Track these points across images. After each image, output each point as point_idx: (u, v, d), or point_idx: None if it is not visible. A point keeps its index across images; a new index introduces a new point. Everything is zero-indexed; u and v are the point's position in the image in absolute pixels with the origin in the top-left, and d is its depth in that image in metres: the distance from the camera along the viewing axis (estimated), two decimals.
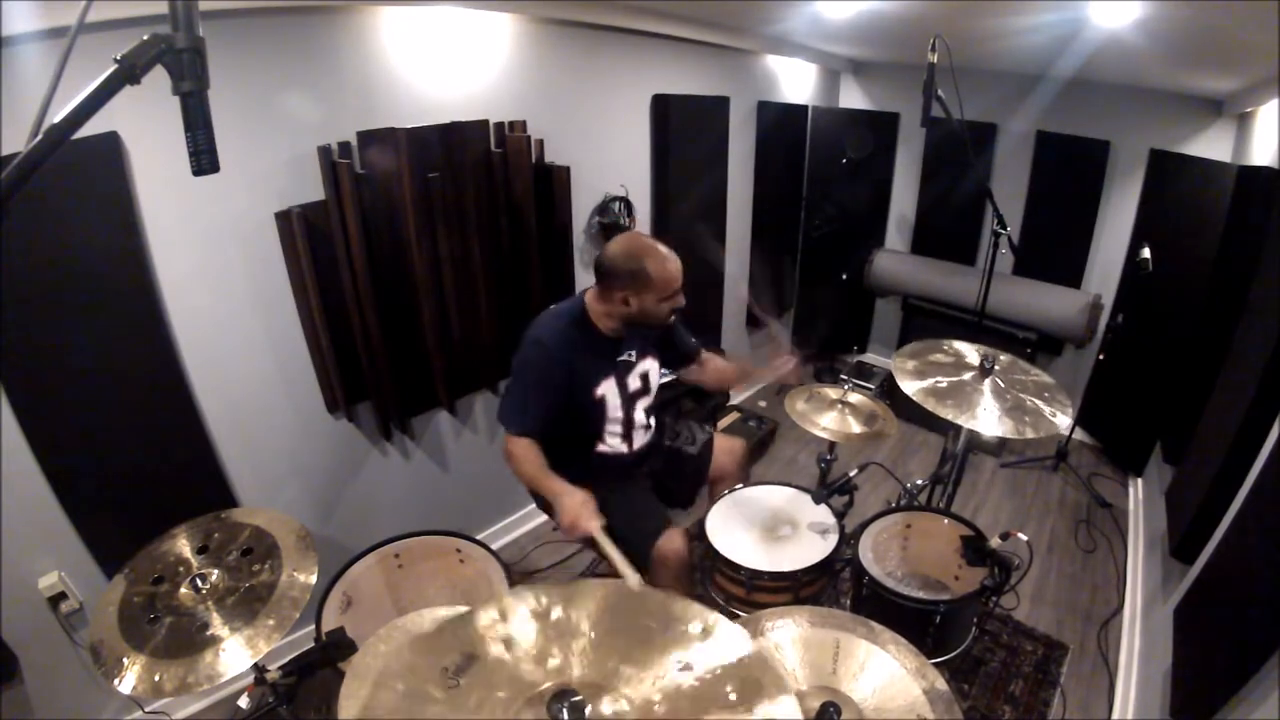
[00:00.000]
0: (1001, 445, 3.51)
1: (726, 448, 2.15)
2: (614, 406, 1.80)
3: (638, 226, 2.84)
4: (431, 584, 1.84)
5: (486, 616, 0.89)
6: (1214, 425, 2.26)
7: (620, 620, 0.91)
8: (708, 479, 2.13)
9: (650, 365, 1.88)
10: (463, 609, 0.92)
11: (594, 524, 1.46)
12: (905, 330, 4.11)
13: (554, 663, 0.84)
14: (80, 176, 1.50)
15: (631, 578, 1.20)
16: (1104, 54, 2.37)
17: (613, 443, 1.85)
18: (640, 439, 1.91)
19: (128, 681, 1.18)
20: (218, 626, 1.27)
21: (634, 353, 1.82)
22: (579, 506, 1.50)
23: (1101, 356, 3.16)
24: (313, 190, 1.87)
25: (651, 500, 1.93)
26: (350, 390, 2.14)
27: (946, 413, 1.85)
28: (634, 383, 1.83)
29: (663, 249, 1.66)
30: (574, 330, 1.71)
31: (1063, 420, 1.85)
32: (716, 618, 0.91)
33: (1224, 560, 1.75)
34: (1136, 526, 2.99)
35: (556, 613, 0.91)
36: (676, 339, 1.94)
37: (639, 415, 1.87)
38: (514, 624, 0.89)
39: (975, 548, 1.74)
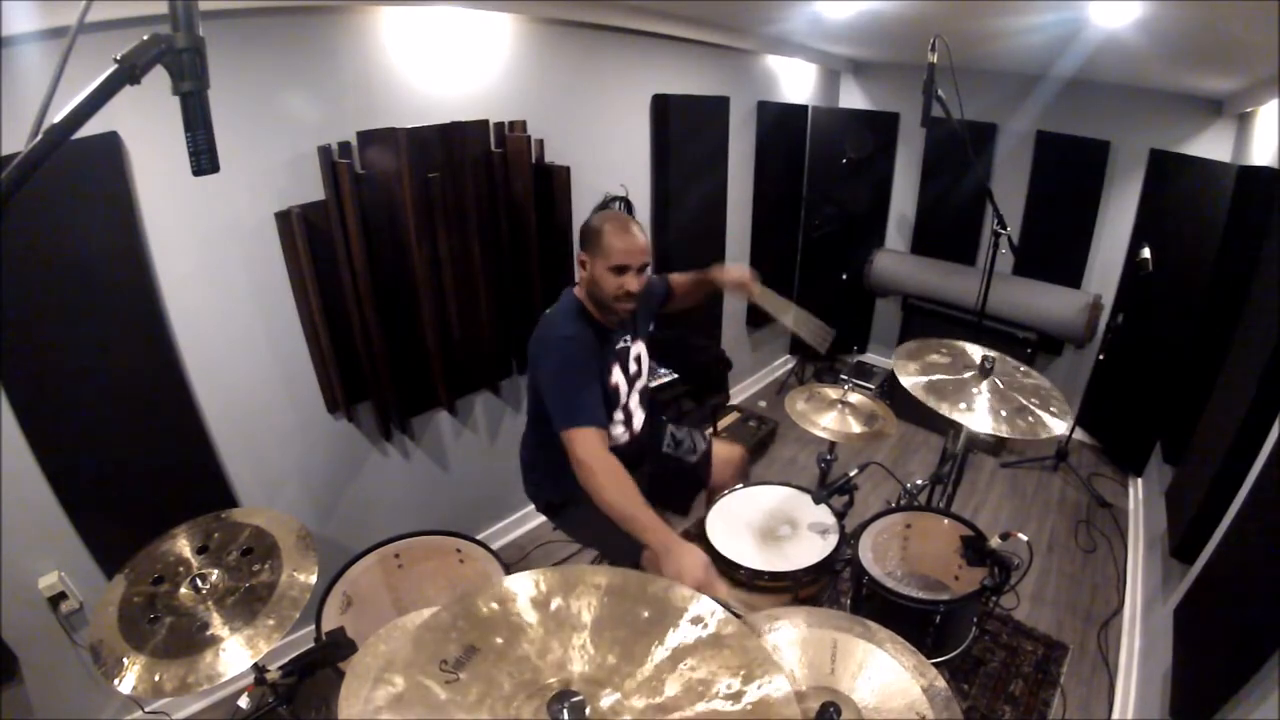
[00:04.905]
0: (1001, 445, 3.51)
1: (726, 457, 2.15)
2: (623, 394, 1.82)
3: None
4: (431, 584, 1.84)
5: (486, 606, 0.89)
6: (1214, 425, 2.26)
7: (620, 611, 0.91)
8: (706, 487, 2.13)
9: (641, 348, 1.90)
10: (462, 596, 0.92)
11: (721, 587, 1.30)
12: (905, 330, 4.11)
13: (554, 656, 0.84)
14: (80, 176, 1.50)
15: (748, 615, 1.19)
16: (1104, 54, 2.37)
17: (616, 432, 1.85)
18: (637, 423, 1.93)
19: (128, 681, 1.18)
20: (218, 626, 1.27)
21: (627, 337, 1.83)
22: (703, 569, 1.31)
23: (1101, 356, 3.16)
24: (313, 190, 1.87)
25: None
26: (350, 390, 2.14)
27: (950, 412, 1.84)
28: (632, 367, 1.86)
29: (633, 226, 1.65)
30: (580, 323, 1.71)
31: (1058, 423, 1.84)
32: (713, 607, 0.91)
33: (1224, 560, 1.74)
34: (1136, 526, 2.99)
35: (556, 602, 0.91)
36: (651, 300, 1.92)
37: (635, 399, 1.89)
38: (514, 614, 0.89)
39: (975, 548, 1.74)
